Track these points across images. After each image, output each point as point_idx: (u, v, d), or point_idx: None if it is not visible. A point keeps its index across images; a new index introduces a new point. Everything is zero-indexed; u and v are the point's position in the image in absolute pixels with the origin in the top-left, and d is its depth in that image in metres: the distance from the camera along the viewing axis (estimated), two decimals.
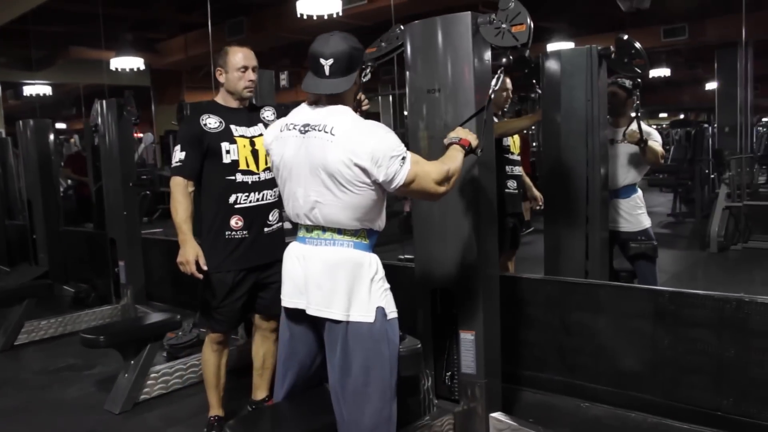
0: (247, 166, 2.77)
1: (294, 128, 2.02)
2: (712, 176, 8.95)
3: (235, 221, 2.75)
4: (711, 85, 14.88)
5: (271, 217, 2.86)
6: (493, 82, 2.41)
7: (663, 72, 13.34)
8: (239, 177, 2.76)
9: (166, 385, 3.55)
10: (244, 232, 2.77)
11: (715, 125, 11.45)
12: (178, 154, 2.71)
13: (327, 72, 1.96)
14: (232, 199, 2.74)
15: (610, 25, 9.88)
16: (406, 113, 11.23)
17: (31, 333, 4.68)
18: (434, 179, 1.99)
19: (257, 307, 2.95)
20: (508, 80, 3.97)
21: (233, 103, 2.84)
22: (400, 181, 1.92)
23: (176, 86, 13.95)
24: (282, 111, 2.81)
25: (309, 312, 2.00)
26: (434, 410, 2.77)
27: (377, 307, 1.96)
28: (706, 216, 7.67)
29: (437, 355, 2.81)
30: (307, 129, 1.98)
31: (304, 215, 2.02)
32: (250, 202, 2.77)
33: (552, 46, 8.31)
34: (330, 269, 1.96)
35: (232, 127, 2.78)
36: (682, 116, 19.98)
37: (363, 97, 2.44)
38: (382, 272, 2.02)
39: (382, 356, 1.96)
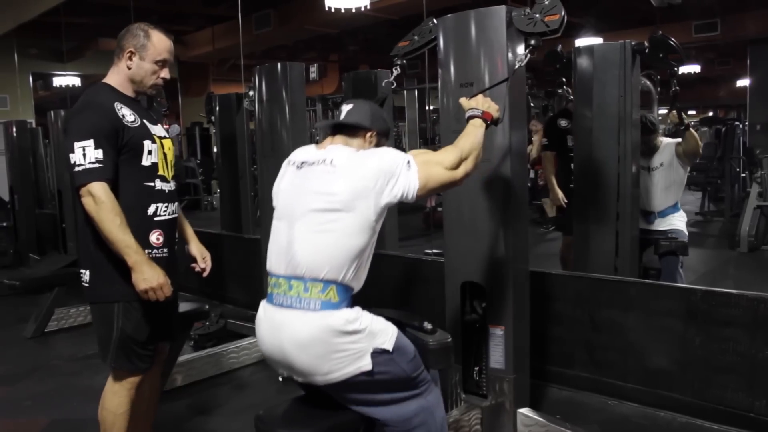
0: (163, 171, 2.31)
1: (292, 164, 2.02)
2: (743, 175, 8.81)
3: (156, 237, 2.26)
4: (742, 82, 14.68)
5: (176, 234, 2.45)
6: (521, 55, 2.47)
7: (693, 68, 13.17)
8: (158, 184, 2.28)
9: (192, 375, 3.58)
10: (164, 250, 2.29)
11: (746, 122, 11.29)
12: (91, 152, 2.08)
13: (342, 115, 2.01)
14: (151, 209, 2.25)
15: (639, 20, 9.75)
16: (431, 108, 11.26)
17: (61, 320, 4.77)
18: (447, 166, 1.92)
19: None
20: None
21: (130, 93, 2.32)
22: (414, 185, 1.86)
23: (203, 78, 14.04)
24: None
25: (297, 380, 1.92)
26: (462, 405, 2.78)
27: (372, 353, 1.84)
28: (735, 215, 7.57)
29: (465, 349, 2.80)
30: (303, 164, 1.96)
31: (278, 261, 1.92)
32: (169, 214, 2.31)
33: (580, 42, 8.23)
34: (303, 348, 1.83)
35: (146, 123, 2.28)
36: (710, 114, 19.68)
37: None
38: (362, 317, 1.85)
39: (395, 376, 1.90)
